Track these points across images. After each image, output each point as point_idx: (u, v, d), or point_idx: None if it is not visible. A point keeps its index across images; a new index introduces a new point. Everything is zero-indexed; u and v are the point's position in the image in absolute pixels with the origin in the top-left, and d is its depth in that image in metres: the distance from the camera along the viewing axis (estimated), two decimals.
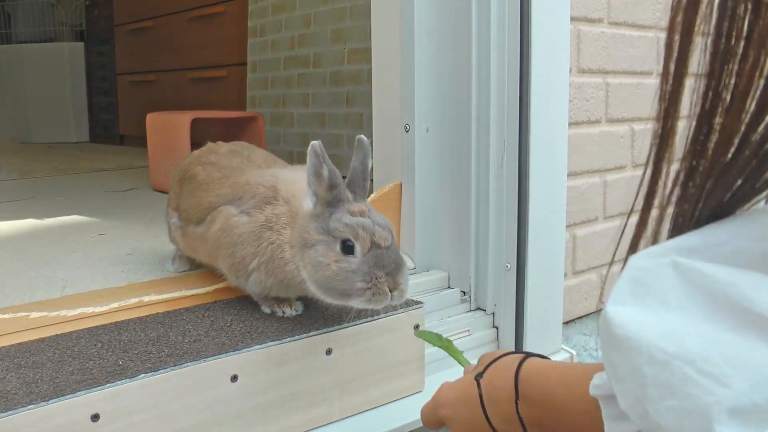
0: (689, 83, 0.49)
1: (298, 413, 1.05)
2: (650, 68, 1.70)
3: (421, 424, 0.95)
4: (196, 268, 1.41)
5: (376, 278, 0.94)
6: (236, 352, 0.98)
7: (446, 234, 1.45)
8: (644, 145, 1.71)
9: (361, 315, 1.10)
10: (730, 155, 0.47)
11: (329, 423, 1.09)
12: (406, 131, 1.42)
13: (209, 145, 1.37)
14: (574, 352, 1.47)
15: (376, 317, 1.12)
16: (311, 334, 1.06)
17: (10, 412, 0.79)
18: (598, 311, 1.67)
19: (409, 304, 1.17)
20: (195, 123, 2.52)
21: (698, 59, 0.48)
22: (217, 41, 3.63)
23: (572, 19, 1.43)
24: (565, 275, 1.50)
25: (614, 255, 0.63)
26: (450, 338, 1.05)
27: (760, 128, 0.45)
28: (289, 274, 1.04)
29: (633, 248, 0.56)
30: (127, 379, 0.88)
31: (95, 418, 0.85)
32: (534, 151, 1.33)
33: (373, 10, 1.50)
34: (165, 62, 4.12)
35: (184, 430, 0.93)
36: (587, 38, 1.52)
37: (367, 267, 0.94)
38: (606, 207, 1.64)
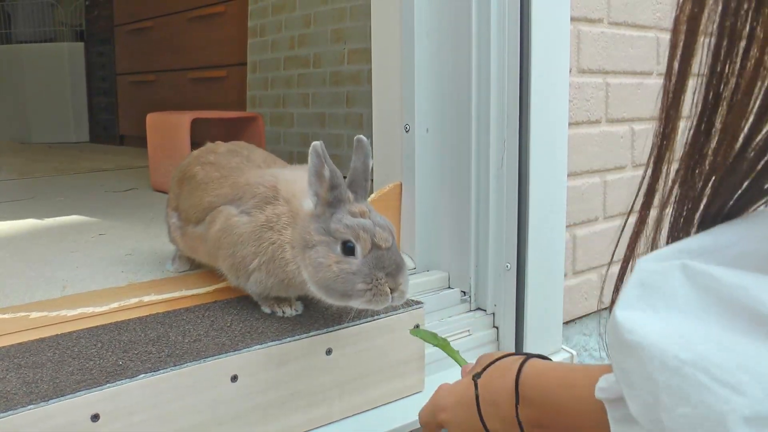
0: (692, 83, 0.49)
1: (298, 413, 1.05)
2: (650, 68, 1.70)
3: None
4: (196, 268, 1.41)
5: (377, 279, 0.94)
6: (236, 352, 0.98)
7: (446, 234, 1.45)
8: (644, 146, 1.71)
9: (361, 315, 1.10)
10: (733, 156, 0.46)
11: (329, 423, 1.09)
12: (406, 131, 1.42)
13: (208, 145, 1.37)
14: (574, 352, 1.47)
15: (376, 317, 1.12)
16: (311, 334, 1.06)
17: (10, 412, 0.79)
18: (599, 311, 1.67)
19: (410, 304, 1.17)
20: (195, 123, 2.52)
21: (701, 59, 0.48)
22: (217, 41, 3.63)
23: (572, 19, 1.43)
24: (565, 275, 1.50)
25: (613, 254, 0.62)
26: (447, 338, 1.05)
27: (766, 129, 0.45)
28: (290, 274, 1.04)
29: (632, 248, 0.56)
30: (127, 379, 0.88)
31: (95, 418, 0.85)
32: (534, 152, 1.33)
33: (373, 11, 1.50)
34: (165, 62, 4.12)
35: (184, 431, 0.93)
36: (587, 38, 1.52)
37: (367, 268, 0.94)
38: (606, 207, 1.64)
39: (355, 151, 1.02)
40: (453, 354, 1.01)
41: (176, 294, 1.23)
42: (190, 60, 3.88)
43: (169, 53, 4.07)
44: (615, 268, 0.60)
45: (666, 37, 1.71)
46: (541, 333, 1.41)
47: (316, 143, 0.97)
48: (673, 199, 0.51)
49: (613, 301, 0.59)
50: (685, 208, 0.50)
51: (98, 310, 1.14)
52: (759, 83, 0.44)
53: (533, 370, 0.77)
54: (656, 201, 0.53)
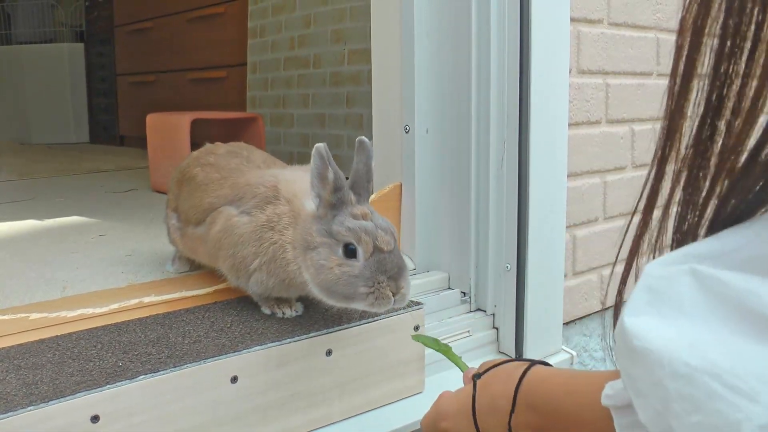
0: (696, 84, 0.49)
1: (298, 414, 1.05)
2: (650, 69, 1.70)
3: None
4: (196, 269, 1.41)
5: (379, 282, 0.94)
6: (236, 353, 0.98)
7: (446, 235, 1.45)
8: (644, 146, 1.71)
9: (364, 316, 1.10)
10: (745, 159, 0.46)
11: (329, 424, 1.09)
12: (406, 132, 1.41)
13: (208, 146, 1.37)
14: (574, 353, 1.47)
15: (376, 318, 1.12)
16: (311, 335, 1.06)
17: (9, 414, 0.79)
18: (600, 312, 1.67)
19: (410, 305, 1.17)
20: (195, 124, 2.52)
21: (705, 60, 0.47)
22: (217, 42, 3.63)
23: (572, 19, 1.43)
24: (565, 276, 1.50)
25: (617, 256, 0.62)
26: (447, 339, 1.05)
27: None
28: (291, 274, 1.04)
29: (634, 251, 0.56)
30: (127, 381, 0.88)
31: (95, 419, 0.85)
32: (534, 152, 1.33)
33: (372, 11, 1.50)
34: (165, 63, 4.12)
35: None
36: (587, 39, 1.52)
37: (369, 271, 0.94)
38: (606, 208, 1.64)
39: (357, 153, 1.02)
40: (455, 359, 1.00)
41: (176, 295, 1.23)
42: (190, 60, 3.88)
43: (169, 54, 4.07)
44: (618, 269, 0.60)
45: (666, 37, 1.71)
46: (541, 334, 1.41)
47: (319, 145, 0.97)
48: (677, 201, 0.51)
49: (616, 304, 0.58)
50: (691, 211, 0.49)
51: (98, 311, 1.14)
52: None
53: (537, 377, 0.76)
54: (660, 203, 0.53)
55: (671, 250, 0.50)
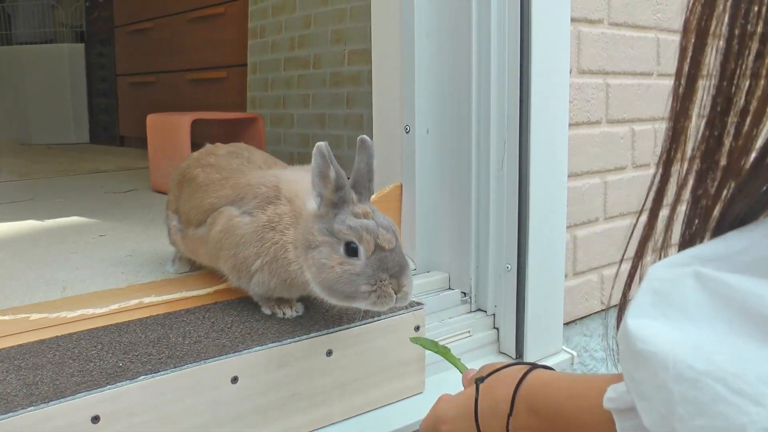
0: (701, 85, 0.48)
1: (299, 415, 1.05)
2: (651, 69, 1.70)
3: None
4: (196, 269, 1.41)
5: (380, 281, 0.94)
6: (236, 353, 0.98)
7: (446, 235, 1.45)
8: (645, 146, 1.71)
9: (366, 316, 1.10)
10: (753, 161, 0.45)
11: (330, 424, 1.09)
12: (407, 132, 1.41)
13: (208, 146, 1.37)
14: (574, 353, 1.47)
15: (376, 318, 1.12)
16: (311, 335, 1.05)
17: (10, 414, 0.79)
18: (600, 312, 1.67)
19: (410, 305, 1.17)
20: (195, 124, 2.52)
21: (710, 61, 0.47)
22: (217, 42, 3.63)
23: (572, 20, 1.43)
24: (566, 276, 1.50)
25: (623, 256, 0.62)
26: (447, 339, 1.04)
27: None
28: (292, 274, 1.04)
29: (640, 253, 0.55)
30: (128, 381, 0.88)
31: (95, 419, 0.85)
32: (534, 152, 1.33)
33: (373, 11, 1.50)
34: (165, 63, 4.13)
35: None
36: (587, 39, 1.52)
37: (371, 270, 0.94)
38: (606, 208, 1.64)
39: (359, 152, 1.02)
40: (454, 361, 1.00)
41: (176, 295, 1.23)
42: (190, 61, 3.88)
43: (169, 54, 4.07)
44: (622, 268, 0.60)
45: (666, 37, 1.71)
46: (542, 334, 1.41)
47: (320, 144, 0.96)
48: (685, 203, 0.50)
49: (621, 305, 0.58)
50: (698, 213, 0.49)
51: (98, 311, 1.14)
52: None
53: (538, 381, 0.76)
54: (665, 204, 0.53)
55: (677, 251, 0.50)
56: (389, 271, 0.94)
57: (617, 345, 0.59)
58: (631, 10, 1.62)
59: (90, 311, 1.14)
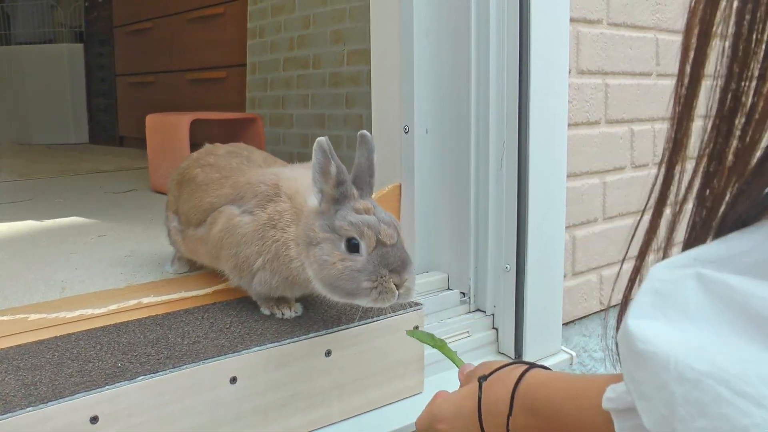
0: (704, 86, 0.48)
1: (298, 415, 1.05)
2: (650, 69, 1.70)
3: None
4: (195, 269, 1.41)
5: (382, 277, 0.93)
6: (235, 353, 0.98)
7: (446, 235, 1.45)
8: (644, 147, 1.71)
9: (367, 314, 1.10)
10: (757, 161, 0.45)
11: (329, 425, 1.09)
12: (406, 132, 1.41)
13: (207, 146, 1.36)
14: (573, 354, 1.47)
15: (375, 319, 1.12)
16: (310, 335, 1.05)
17: (8, 415, 0.79)
18: (599, 312, 1.67)
19: (410, 305, 1.17)
20: (194, 124, 2.52)
21: (715, 61, 0.46)
22: (217, 42, 3.63)
23: (571, 20, 1.43)
24: (565, 276, 1.50)
25: (625, 256, 0.61)
26: (446, 339, 1.04)
27: None
28: (294, 272, 1.04)
29: (642, 255, 0.55)
30: (126, 381, 0.88)
31: (94, 420, 0.85)
32: (533, 152, 1.33)
33: (372, 11, 1.50)
34: (164, 63, 4.12)
35: None
36: (586, 39, 1.52)
37: (372, 266, 0.93)
38: (605, 208, 1.64)
39: (359, 147, 1.01)
40: (450, 355, 1.00)
41: (175, 296, 1.23)
42: (190, 61, 3.88)
43: (169, 54, 4.07)
44: (623, 268, 0.60)
45: (665, 38, 1.71)
46: (541, 334, 1.41)
47: (321, 139, 0.96)
48: (690, 204, 0.50)
49: (622, 306, 0.58)
50: (703, 214, 0.49)
51: (97, 311, 1.14)
52: None
53: (536, 381, 0.76)
54: (668, 207, 0.52)
55: (681, 251, 0.50)
56: (390, 267, 0.94)
57: (616, 345, 0.58)
58: (630, 10, 1.62)
59: (89, 311, 1.14)
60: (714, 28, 0.47)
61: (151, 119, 2.74)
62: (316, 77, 2.94)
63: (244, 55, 3.37)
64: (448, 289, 1.44)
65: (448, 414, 0.84)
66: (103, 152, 4.42)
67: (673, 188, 0.52)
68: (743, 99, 0.45)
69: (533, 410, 0.74)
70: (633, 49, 1.64)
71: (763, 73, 0.44)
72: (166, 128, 2.63)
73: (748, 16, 0.44)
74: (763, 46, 0.44)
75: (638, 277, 0.57)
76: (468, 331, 1.38)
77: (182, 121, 2.51)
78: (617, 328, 0.60)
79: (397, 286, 0.94)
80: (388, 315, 1.12)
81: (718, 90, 0.46)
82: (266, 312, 1.13)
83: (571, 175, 1.50)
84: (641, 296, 0.47)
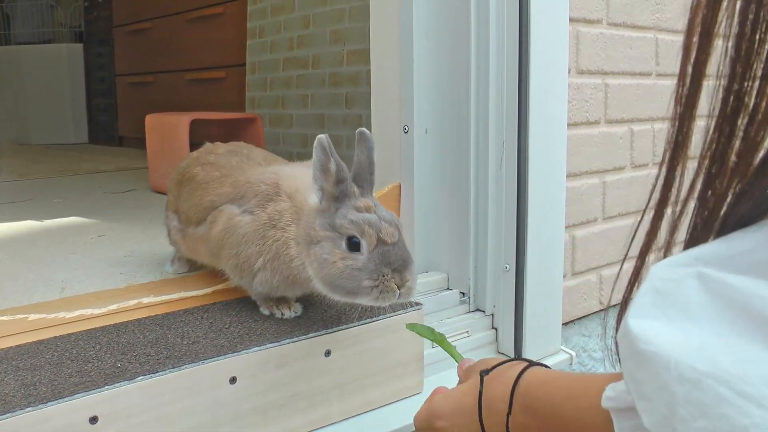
0: (705, 86, 0.48)
1: (298, 415, 1.05)
2: (649, 69, 1.70)
3: None
4: (194, 269, 1.41)
5: (383, 276, 0.92)
6: (235, 353, 0.98)
7: (445, 235, 1.45)
8: (643, 146, 1.71)
9: (367, 313, 1.09)
10: (759, 161, 0.45)
11: (329, 425, 1.09)
12: (405, 132, 1.41)
13: (207, 145, 1.36)
14: (573, 353, 1.47)
15: (374, 318, 1.12)
16: (310, 335, 1.05)
17: (8, 415, 0.79)
18: (599, 312, 1.67)
19: (410, 304, 1.17)
20: (194, 124, 2.52)
21: (717, 61, 0.46)
22: (216, 42, 3.63)
23: (571, 20, 1.43)
24: (564, 276, 1.50)
25: (626, 255, 0.61)
26: (443, 333, 1.03)
27: None
28: (294, 270, 1.03)
29: (643, 256, 0.55)
30: (126, 381, 0.88)
31: (94, 420, 0.85)
32: (533, 152, 1.33)
33: (371, 11, 1.50)
34: (164, 63, 4.12)
35: None
36: (586, 39, 1.52)
37: (373, 264, 0.93)
38: (605, 208, 1.64)
39: (358, 144, 1.00)
40: (449, 349, 1.00)
41: (175, 296, 1.23)
42: (189, 61, 3.88)
43: (168, 54, 4.07)
44: (620, 269, 0.59)
45: (665, 38, 1.71)
46: (540, 334, 1.41)
47: (321, 136, 0.95)
48: (691, 205, 0.50)
49: (622, 306, 0.58)
50: (705, 214, 0.48)
51: (97, 311, 1.14)
52: None
53: (535, 379, 0.75)
54: (669, 209, 0.52)
55: (682, 251, 0.50)
56: (392, 266, 0.93)
57: (616, 345, 0.58)
58: (629, 10, 1.62)
59: (88, 312, 1.14)
60: (716, 28, 0.47)
61: (150, 119, 2.73)
62: (315, 77, 2.94)
63: (243, 55, 3.37)
64: (448, 289, 1.44)
65: (447, 410, 0.84)
66: (103, 152, 4.42)
67: (674, 189, 0.51)
68: (746, 99, 0.45)
69: (532, 409, 0.74)
70: (633, 49, 1.64)
71: (766, 73, 0.44)
72: (165, 128, 2.63)
73: (751, 16, 0.44)
74: (766, 46, 0.44)
75: (638, 278, 0.57)
76: (467, 331, 1.38)
77: (182, 121, 2.51)
78: (617, 329, 0.59)
79: (398, 286, 0.93)
80: (388, 315, 1.12)
81: (720, 90, 0.46)
82: (266, 312, 1.13)
83: (570, 175, 1.50)
84: (642, 296, 0.47)
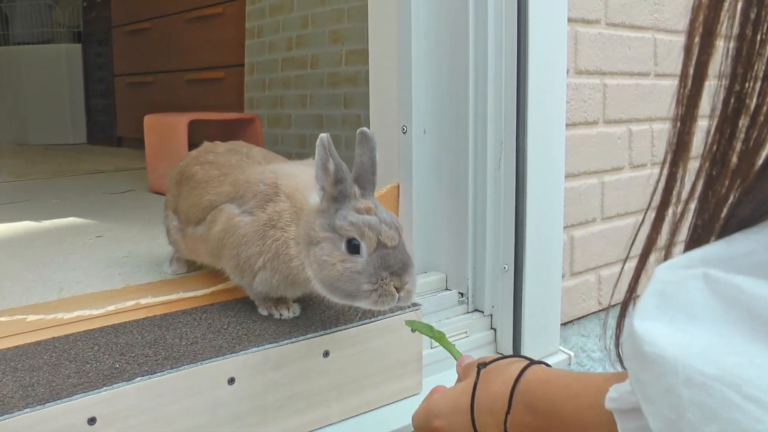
0: (707, 87, 0.48)
1: (296, 416, 1.05)
2: (648, 69, 1.70)
3: None
4: (193, 270, 1.41)
5: (382, 279, 0.92)
6: (233, 354, 0.98)
7: (444, 235, 1.45)
8: (642, 147, 1.71)
9: (366, 315, 1.09)
10: (759, 164, 0.45)
11: (327, 425, 1.08)
12: (404, 133, 1.41)
13: (206, 144, 1.36)
14: (572, 354, 1.47)
15: (373, 319, 1.12)
16: (308, 336, 1.05)
17: (6, 416, 0.79)
18: (597, 312, 1.67)
19: (409, 305, 1.17)
20: (192, 124, 2.52)
21: (718, 62, 0.46)
22: (215, 43, 3.63)
23: (569, 20, 1.43)
24: (563, 276, 1.50)
25: (627, 256, 0.61)
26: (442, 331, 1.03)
27: None
28: (294, 270, 1.03)
29: (643, 258, 0.55)
30: (124, 382, 0.88)
31: (92, 421, 0.85)
32: (531, 153, 1.33)
33: (370, 11, 1.50)
34: (162, 64, 4.12)
35: None
36: (584, 39, 1.52)
37: (372, 267, 0.92)
38: (604, 208, 1.64)
39: (359, 145, 0.99)
40: (448, 346, 0.99)
41: (173, 296, 1.22)
42: (188, 61, 3.88)
43: (167, 54, 4.07)
44: (620, 271, 0.59)
45: (663, 38, 1.71)
46: (539, 334, 1.41)
47: (323, 135, 0.94)
48: (693, 206, 0.50)
49: (623, 307, 0.58)
50: (706, 216, 0.48)
51: (95, 312, 1.14)
52: None
53: (536, 378, 0.75)
54: (670, 210, 0.52)
55: (683, 252, 0.49)
56: (391, 269, 0.92)
57: (616, 346, 0.58)
58: (628, 10, 1.62)
59: (87, 312, 1.14)
60: (717, 29, 0.46)
61: (149, 119, 2.73)
62: (314, 77, 2.94)
63: (242, 55, 3.36)
64: (447, 289, 1.44)
65: (444, 409, 0.83)
66: (101, 153, 4.42)
67: (675, 191, 0.51)
68: (747, 100, 0.45)
69: (533, 408, 0.73)
70: (631, 49, 1.64)
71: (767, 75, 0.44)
72: (164, 128, 2.63)
73: (752, 17, 0.44)
74: None
75: (638, 280, 0.57)
76: (466, 332, 1.38)
77: (180, 121, 2.51)
78: (617, 329, 0.59)
79: (398, 289, 0.93)
80: (387, 315, 1.12)
81: (721, 91, 0.46)
82: (264, 313, 1.13)
83: (569, 176, 1.50)
84: (646, 297, 0.47)
